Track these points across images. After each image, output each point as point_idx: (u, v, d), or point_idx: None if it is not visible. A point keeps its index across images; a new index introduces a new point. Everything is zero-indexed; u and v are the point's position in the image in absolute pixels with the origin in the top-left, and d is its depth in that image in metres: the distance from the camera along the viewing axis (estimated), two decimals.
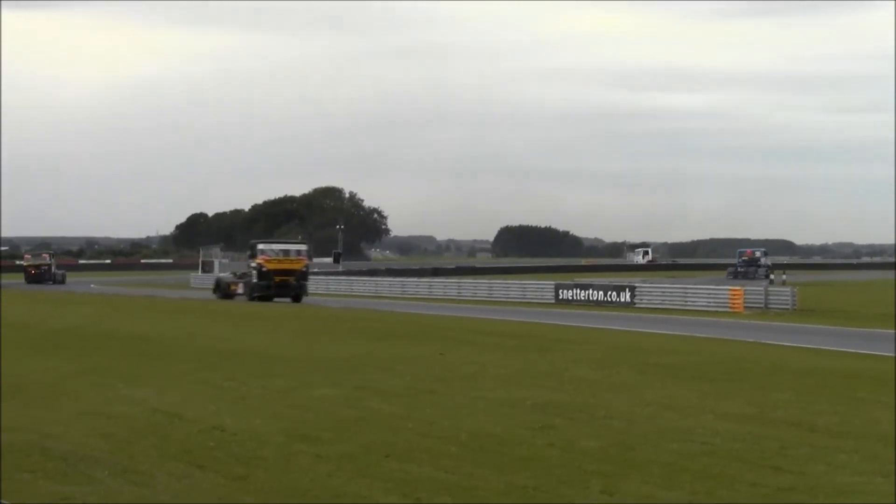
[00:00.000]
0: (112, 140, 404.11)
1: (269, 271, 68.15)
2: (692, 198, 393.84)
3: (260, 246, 70.36)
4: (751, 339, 37.97)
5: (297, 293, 68.71)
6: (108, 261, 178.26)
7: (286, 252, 71.16)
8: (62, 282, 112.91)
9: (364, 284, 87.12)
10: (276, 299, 66.83)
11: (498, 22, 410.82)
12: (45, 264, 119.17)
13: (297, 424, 19.59)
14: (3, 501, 13.39)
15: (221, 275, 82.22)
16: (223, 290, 73.96)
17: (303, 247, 74.70)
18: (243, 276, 73.31)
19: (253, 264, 69.21)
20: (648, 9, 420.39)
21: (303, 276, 70.05)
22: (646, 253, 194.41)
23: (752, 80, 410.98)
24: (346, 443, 17.73)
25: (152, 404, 22.06)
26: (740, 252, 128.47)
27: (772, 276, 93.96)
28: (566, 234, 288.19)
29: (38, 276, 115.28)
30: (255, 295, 68.13)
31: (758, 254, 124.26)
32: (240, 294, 71.24)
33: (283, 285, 68.60)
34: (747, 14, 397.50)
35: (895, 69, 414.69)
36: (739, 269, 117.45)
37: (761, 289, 64.23)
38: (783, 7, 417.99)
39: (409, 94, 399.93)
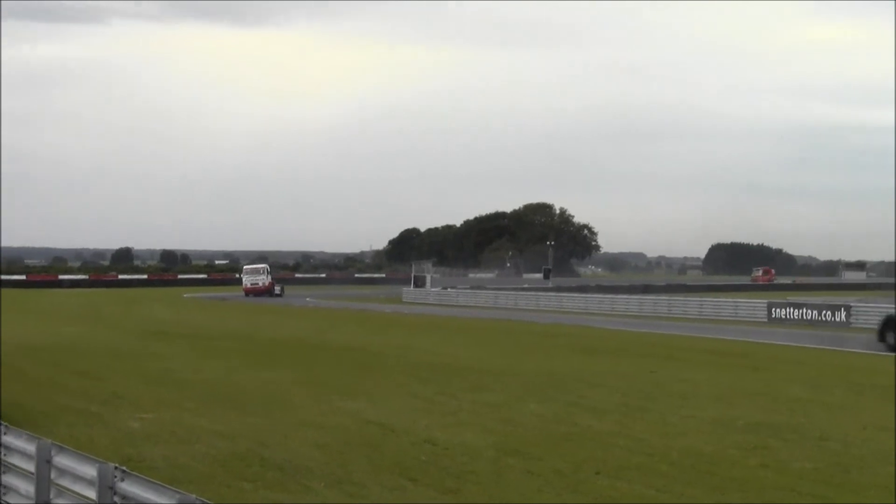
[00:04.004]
0: (327, 156, 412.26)
1: None
2: None
3: None
4: None
5: None
6: (323, 275, 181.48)
7: None
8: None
9: (574, 300, 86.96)
10: None
11: (713, 36, 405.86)
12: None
13: (508, 439, 19.75)
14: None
15: None
16: None
17: None
18: None
19: None
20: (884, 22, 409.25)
21: None
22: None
23: None
24: (556, 459, 17.81)
25: (366, 416, 22.48)
26: None
27: None
28: (779, 251, 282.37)
29: None
30: None
31: None
32: None
33: None
34: None
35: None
36: None
37: None
38: None
39: (624, 109, 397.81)
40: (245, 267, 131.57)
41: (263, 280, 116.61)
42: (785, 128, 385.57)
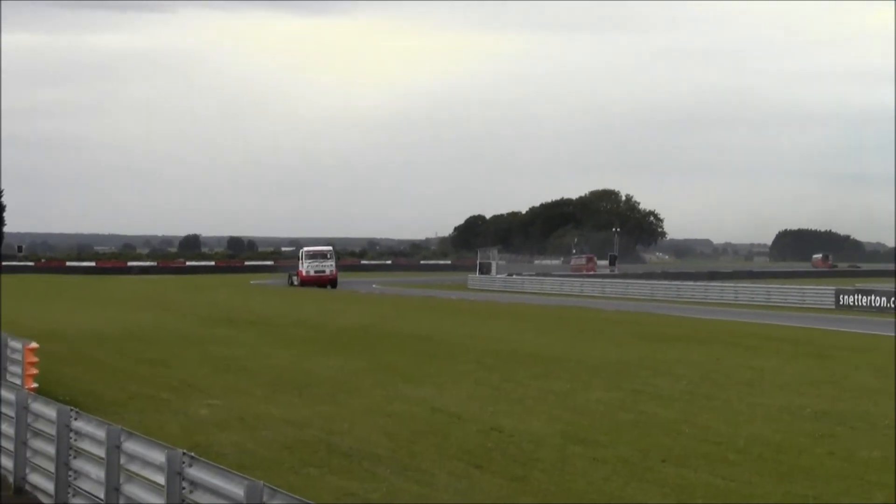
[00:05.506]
0: (393, 143, 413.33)
1: None
2: None
3: None
4: None
5: None
6: (389, 261, 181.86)
7: None
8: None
9: (640, 287, 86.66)
10: None
11: (783, 21, 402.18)
12: None
13: (575, 427, 19.75)
14: None
15: None
16: None
17: None
18: None
19: None
20: None
21: None
22: None
23: None
24: (622, 446, 17.80)
25: (432, 404, 22.56)
26: None
27: None
28: (847, 238, 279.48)
29: None
30: None
31: None
32: None
33: None
34: None
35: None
36: None
37: None
38: None
39: (690, 95, 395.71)
40: (305, 250, 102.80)
41: (330, 267, 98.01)
42: (854, 113, 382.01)
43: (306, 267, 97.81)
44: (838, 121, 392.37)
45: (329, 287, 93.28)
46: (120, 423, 13.15)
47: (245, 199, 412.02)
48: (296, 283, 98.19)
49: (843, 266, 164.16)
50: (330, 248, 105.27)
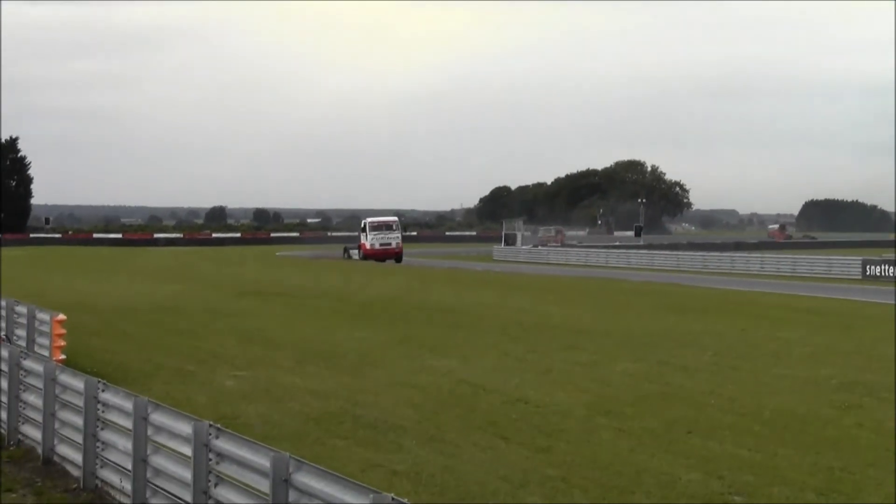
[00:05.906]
0: (419, 115, 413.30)
1: None
2: None
3: None
4: None
5: None
6: (415, 233, 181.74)
7: None
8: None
9: (665, 258, 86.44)
10: None
11: None
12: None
13: (600, 398, 19.75)
14: None
15: None
16: None
17: None
18: None
19: None
20: None
21: None
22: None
23: None
24: (648, 418, 17.79)
25: (458, 375, 22.56)
26: None
27: None
28: (874, 208, 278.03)
29: None
30: None
31: None
32: None
33: None
34: None
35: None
36: None
37: None
38: None
39: (716, 66, 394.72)
40: (369, 221, 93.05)
41: (397, 239, 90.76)
42: (881, 83, 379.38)
43: (371, 239, 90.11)
44: (867, 91, 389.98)
45: (394, 261, 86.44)
46: (147, 395, 13.20)
47: (271, 171, 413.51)
48: (356, 256, 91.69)
49: (798, 237, 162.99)
50: (395, 218, 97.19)
